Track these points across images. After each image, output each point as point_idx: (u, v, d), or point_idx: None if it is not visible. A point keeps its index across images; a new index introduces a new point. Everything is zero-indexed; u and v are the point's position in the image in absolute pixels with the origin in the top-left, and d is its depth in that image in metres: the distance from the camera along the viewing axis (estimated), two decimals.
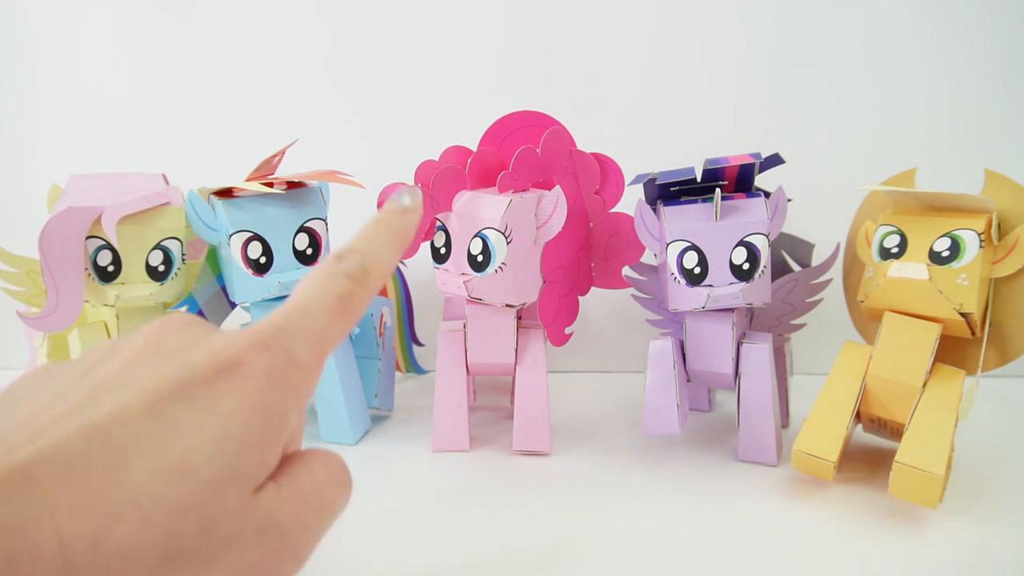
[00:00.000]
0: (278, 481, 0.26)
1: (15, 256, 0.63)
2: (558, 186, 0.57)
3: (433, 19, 0.80)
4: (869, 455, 0.60)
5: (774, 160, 0.61)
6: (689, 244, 0.55)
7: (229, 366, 0.25)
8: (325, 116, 0.82)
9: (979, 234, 0.51)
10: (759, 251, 0.54)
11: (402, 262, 0.79)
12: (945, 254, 0.52)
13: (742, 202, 0.56)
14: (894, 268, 0.53)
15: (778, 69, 0.78)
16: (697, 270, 0.55)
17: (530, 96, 0.74)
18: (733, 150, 0.66)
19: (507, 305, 0.57)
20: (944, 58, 0.76)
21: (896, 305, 0.54)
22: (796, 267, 0.70)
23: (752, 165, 0.58)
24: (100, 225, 0.57)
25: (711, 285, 0.55)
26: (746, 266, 0.55)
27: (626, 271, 0.65)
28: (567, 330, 0.63)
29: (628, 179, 0.61)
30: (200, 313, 0.66)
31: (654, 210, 0.59)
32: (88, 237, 0.58)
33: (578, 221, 0.62)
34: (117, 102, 0.82)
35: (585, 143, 0.61)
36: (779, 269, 0.69)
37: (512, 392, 0.65)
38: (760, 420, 0.57)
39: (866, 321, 0.62)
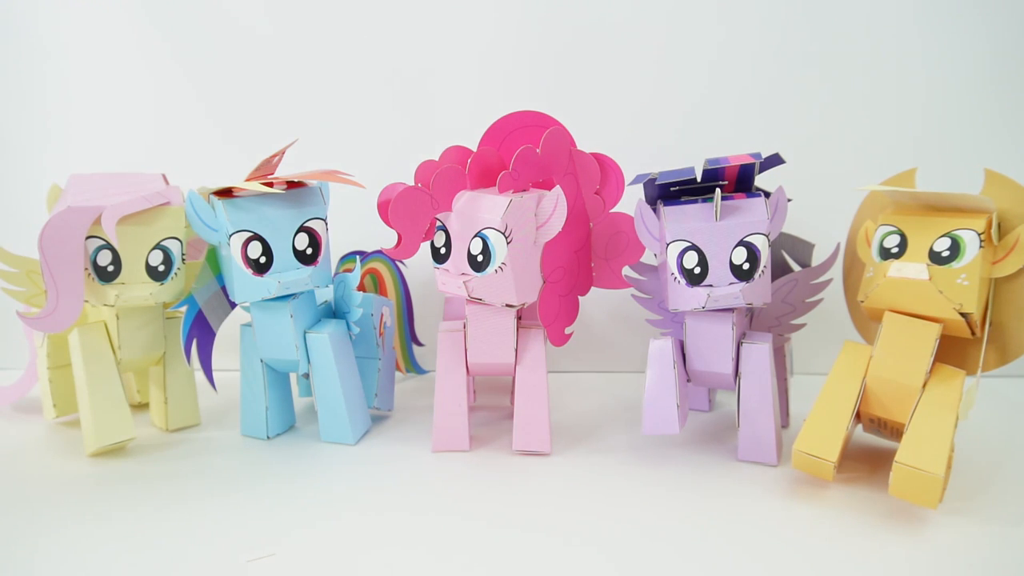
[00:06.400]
0: None
1: (15, 256, 0.63)
2: (558, 186, 0.57)
3: (433, 19, 0.80)
4: (869, 455, 0.60)
5: (774, 160, 0.61)
6: (689, 244, 0.55)
7: None
8: (326, 116, 0.82)
9: (979, 234, 0.51)
10: (759, 251, 0.54)
11: (402, 262, 0.79)
12: (945, 254, 0.52)
13: (742, 202, 0.56)
14: (894, 268, 0.53)
15: (779, 70, 0.78)
16: (697, 270, 0.55)
17: (531, 96, 0.74)
18: (733, 150, 0.66)
19: (507, 305, 0.57)
20: (944, 58, 0.76)
21: (896, 305, 0.54)
22: (796, 267, 0.70)
23: (752, 165, 0.58)
24: (100, 225, 0.57)
25: (711, 285, 0.55)
26: (746, 266, 0.55)
27: (626, 271, 0.65)
28: (567, 330, 0.63)
29: (628, 179, 0.61)
30: (200, 313, 0.66)
31: (654, 210, 0.59)
32: (88, 237, 0.58)
33: (578, 221, 0.62)
34: (117, 102, 0.82)
35: (585, 143, 0.61)
36: (779, 269, 0.69)
37: (512, 392, 0.65)
38: (760, 420, 0.57)
39: (866, 321, 0.62)
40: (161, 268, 0.60)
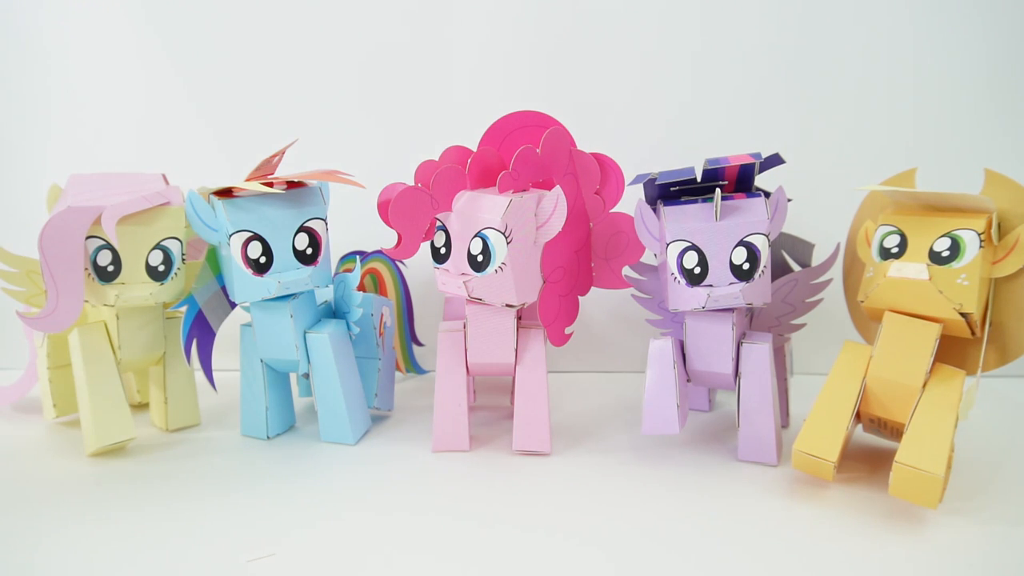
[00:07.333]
0: None
1: (15, 256, 0.63)
2: (558, 186, 0.57)
3: (432, 19, 0.80)
4: (869, 455, 0.60)
5: (774, 160, 0.61)
6: (689, 244, 0.55)
7: None
8: (325, 116, 0.82)
9: (979, 234, 0.51)
10: (759, 251, 0.54)
11: (402, 262, 0.79)
12: (945, 254, 0.52)
13: (742, 202, 0.56)
14: (894, 268, 0.53)
15: (778, 69, 0.78)
16: (697, 270, 0.55)
17: (530, 96, 0.74)
18: (733, 149, 0.66)
19: (507, 305, 0.57)
20: (944, 58, 0.76)
21: (896, 305, 0.54)
22: (796, 267, 0.70)
23: (752, 165, 0.58)
24: (100, 225, 0.57)
25: (711, 285, 0.55)
26: (746, 266, 0.55)
27: (626, 271, 0.65)
28: (567, 330, 0.63)
29: (628, 179, 0.61)
30: (200, 313, 0.66)
31: (654, 210, 0.59)
32: (88, 237, 0.58)
33: (578, 221, 0.62)
34: (117, 102, 0.82)
35: (585, 143, 0.61)
36: (779, 269, 0.69)
37: (512, 392, 0.65)
38: (760, 420, 0.57)
39: (866, 321, 0.62)
40: (161, 268, 0.60)
